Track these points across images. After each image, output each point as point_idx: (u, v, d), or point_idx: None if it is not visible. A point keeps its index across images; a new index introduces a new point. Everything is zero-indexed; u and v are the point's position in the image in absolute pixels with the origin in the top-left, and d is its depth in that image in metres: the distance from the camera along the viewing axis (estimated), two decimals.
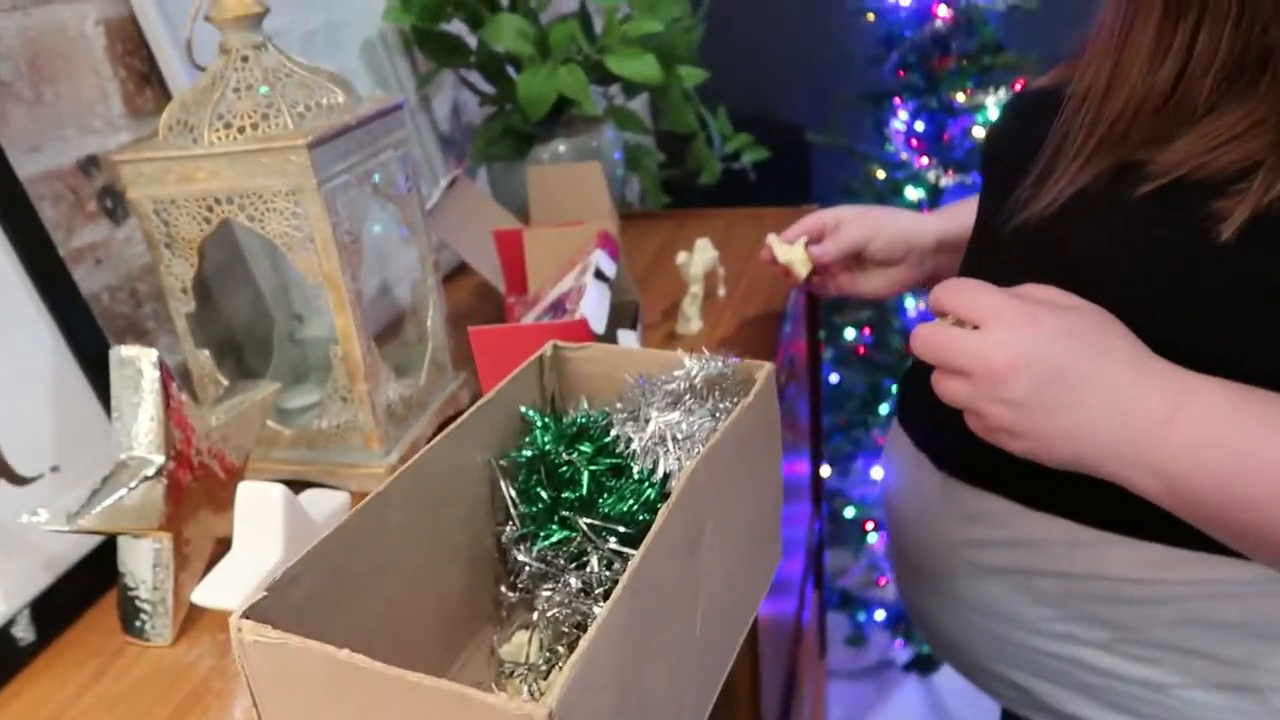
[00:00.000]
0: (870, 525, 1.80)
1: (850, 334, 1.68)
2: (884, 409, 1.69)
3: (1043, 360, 0.53)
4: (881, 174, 1.62)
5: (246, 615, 0.41)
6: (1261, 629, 0.60)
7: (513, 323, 0.90)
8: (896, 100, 1.58)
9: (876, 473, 1.76)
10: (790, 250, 0.85)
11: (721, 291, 1.03)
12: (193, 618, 0.63)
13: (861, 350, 1.69)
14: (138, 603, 0.61)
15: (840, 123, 1.66)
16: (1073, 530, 0.64)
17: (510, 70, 1.19)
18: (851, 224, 0.85)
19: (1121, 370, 0.53)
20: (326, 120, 0.71)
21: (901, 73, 1.56)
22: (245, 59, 0.70)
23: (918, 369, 0.83)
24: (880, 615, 1.88)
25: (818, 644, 1.50)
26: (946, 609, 0.76)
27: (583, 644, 0.37)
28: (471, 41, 1.18)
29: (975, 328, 0.56)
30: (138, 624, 0.62)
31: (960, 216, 0.85)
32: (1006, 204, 0.65)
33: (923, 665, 1.88)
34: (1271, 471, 0.50)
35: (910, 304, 1.63)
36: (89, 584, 0.66)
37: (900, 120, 1.58)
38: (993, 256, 0.70)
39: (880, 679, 1.94)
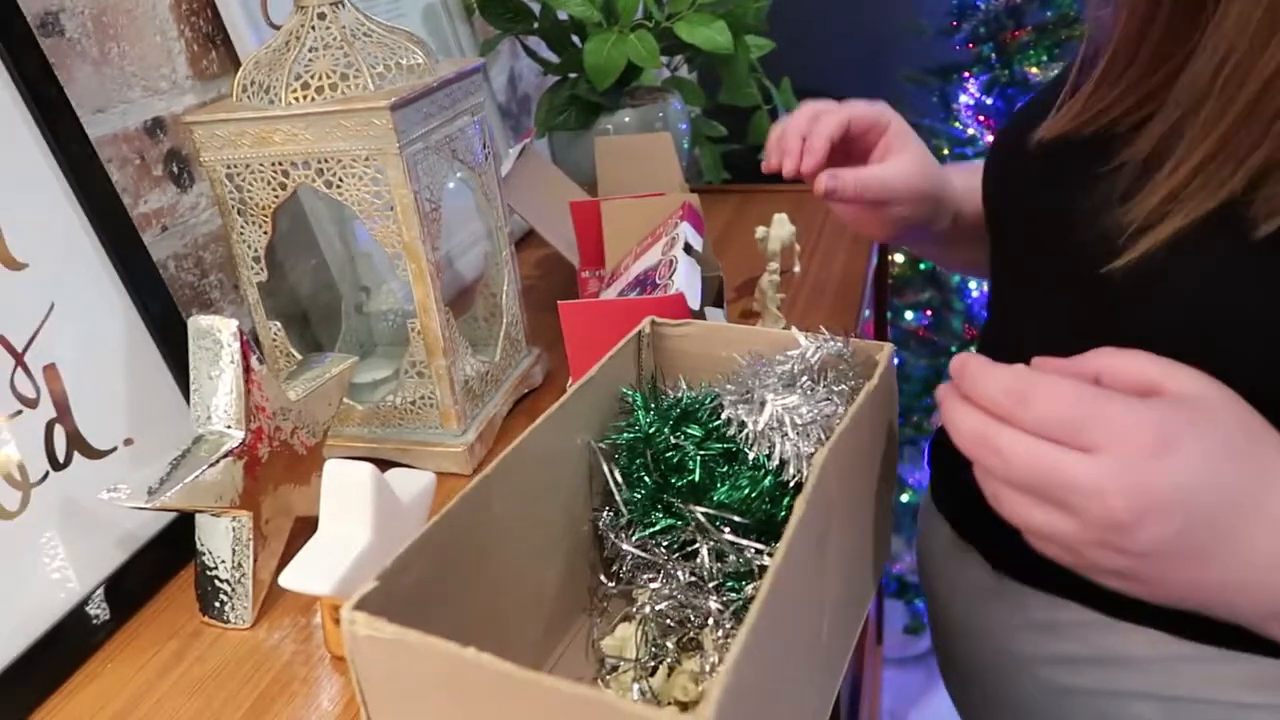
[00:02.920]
0: None
1: (910, 316, 1.64)
2: None
3: (1184, 505, 0.39)
4: (947, 149, 1.56)
5: (358, 606, 0.38)
6: None
7: (589, 297, 0.86)
8: (965, 74, 1.53)
9: None
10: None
11: (797, 268, 0.99)
12: (271, 599, 0.61)
13: (922, 332, 1.64)
14: (217, 583, 0.59)
15: (905, 97, 1.60)
16: (1174, 645, 0.52)
17: (575, 38, 1.15)
18: (898, 167, 0.69)
19: None
20: (406, 81, 0.67)
21: (972, 45, 1.50)
22: (322, 15, 0.67)
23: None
24: None
25: (875, 631, 1.47)
26: None
27: (734, 649, 0.34)
28: (535, 8, 1.15)
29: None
30: (217, 605, 0.59)
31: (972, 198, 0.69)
32: (1064, 243, 0.53)
33: None
34: None
35: (974, 285, 1.58)
36: (162, 562, 0.64)
37: (969, 94, 1.52)
38: (1053, 304, 0.57)
39: (929, 666, 1.91)
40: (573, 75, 1.15)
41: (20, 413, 0.58)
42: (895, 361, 1.76)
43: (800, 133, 0.69)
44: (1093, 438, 0.39)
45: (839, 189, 0.67)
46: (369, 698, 0.39)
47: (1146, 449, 0.38)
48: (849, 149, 0.71)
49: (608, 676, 0.51)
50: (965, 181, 0.73)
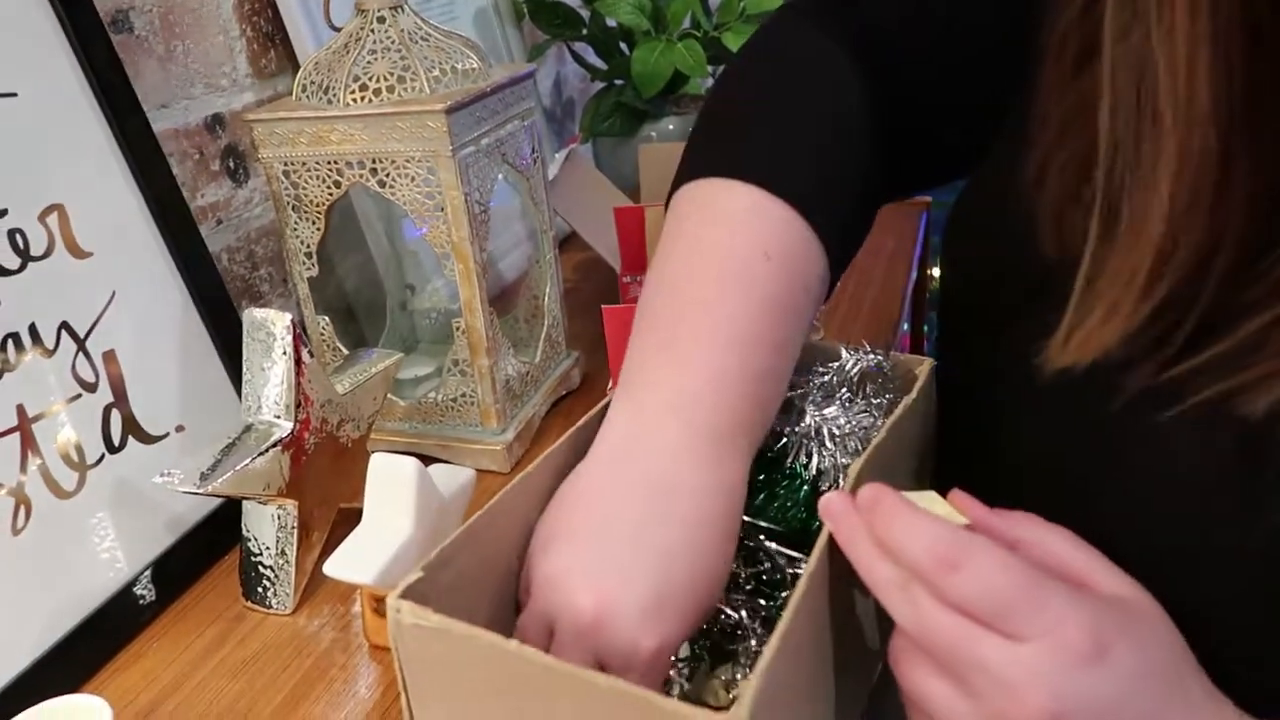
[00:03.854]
0: None
1: None
2: None
3: (1099, 716, 0.34)
4: None
5: (403, 596, 0.39)
6: None
7: (631, 302, 0.87)
8: None
9: None
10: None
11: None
12: (312, 588, 0.62)
13: None
14: (261, 569, 0.60)
15: None
16: None
17: (623, 46, 1.16)
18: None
19: None
20: (460, 85, 0.69)
21: None
22: (382, 19, 0.68)
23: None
24: None
25: None
26: None
27: (767, 653, 0.34)
28: (584, 14, 1.16)
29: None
30: (260, 590, 0.61)
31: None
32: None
33: None
34: None
35: None
36: (208, 546, 0.65)
37: None
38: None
39: None
40: (619, 82, 1.16)
41: (80, 396, 0.60)
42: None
43: None
44: (1022, 626, 0.34)
45: None
46: (411, 685, 0.40)
47: (1078, 652, 0.34)
48: None
49: None
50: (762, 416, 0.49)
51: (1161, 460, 0.41)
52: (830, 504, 0.40)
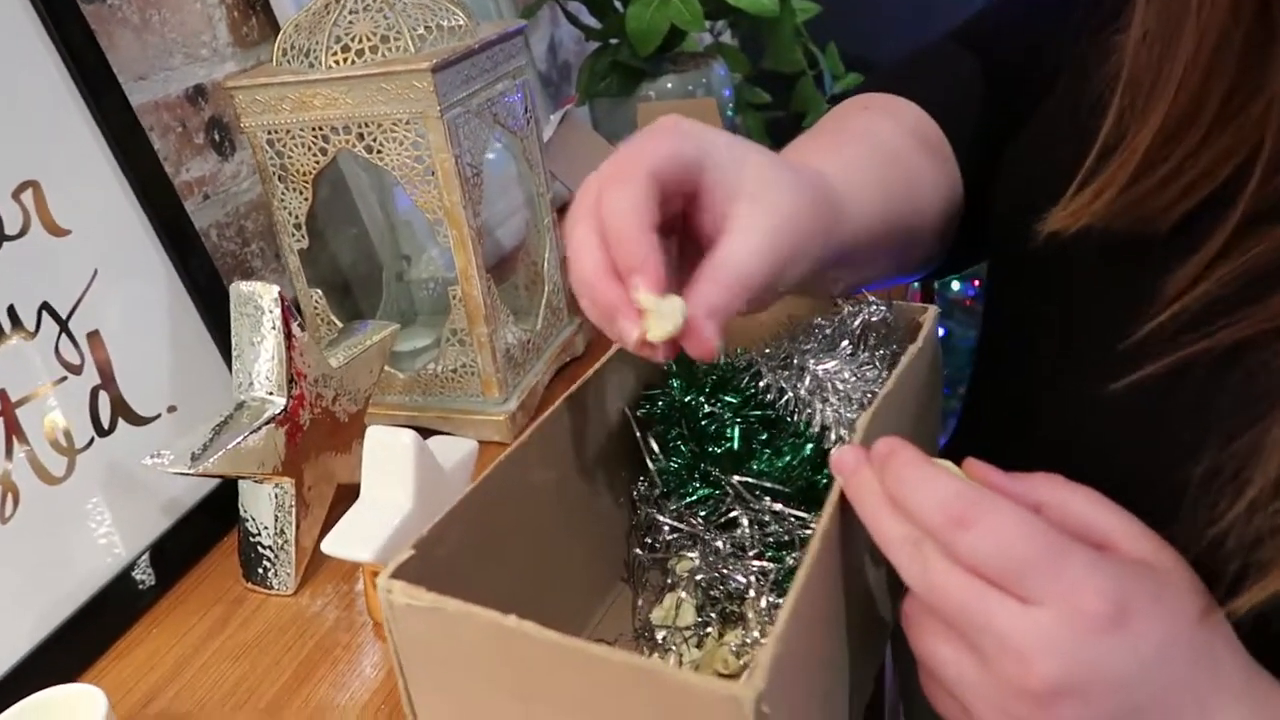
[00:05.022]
0: None
1: (957, 286, 1.60)
2: None
3: (1117, 694, 0.32)
4: None
5: (395, 575, 0.37)
6: None
7: None
8: None
9: None
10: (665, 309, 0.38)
11: None
12: (314, 566, 0.61)
13: (969, 302, 1.61)
14: (260, 549, 0.59)
15: None
16: None
17: (617, 3, 1.13)
18: (750, 242, 0.40)
19: (1232, 707, 0.34)
20: (447, 43, 0.66)
21: None
22: None
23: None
24: None
25: None
26: None
27: (781, 619, 0.32)
28: None
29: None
30: (260, 571, 0.59)
31: (863, 194, 0.49)
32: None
33: None
34: None
35: None
36: (206, 528, 0.64)
37: None
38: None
39: None
40: (614, 41, 1.13)
41: (65, 379, 0.58)
42: (941, 332, 1.72)
43: (600, 267, 0.39)
44: (1036, 588, 0.32)
45: (698, 334, 0.38)
46: (407, 666, 0.38)
47: (1095, 618, 0.32)
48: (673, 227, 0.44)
49: (645, 645, 0.50)
50: (852, 189, 0.48)
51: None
52: (842, 457, 0.38)
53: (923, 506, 0.34)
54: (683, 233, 0.44)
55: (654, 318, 0.37)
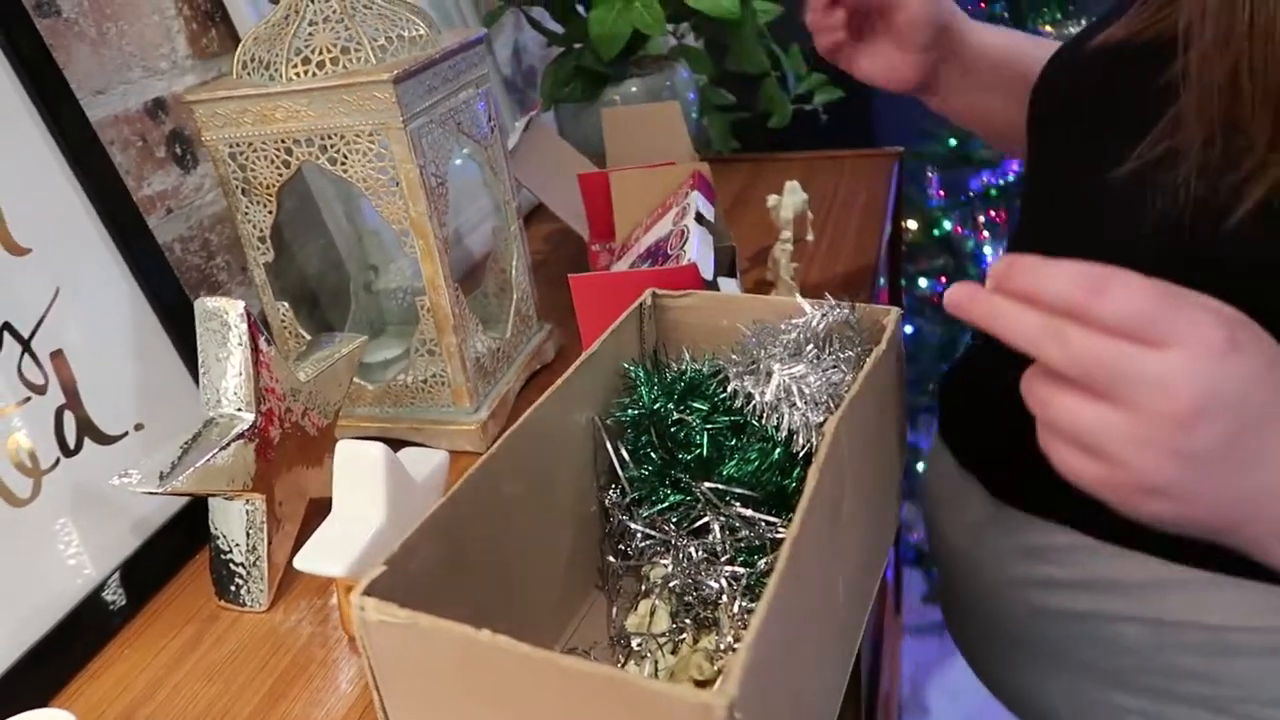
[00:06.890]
0: None
1: (924, 283, 1.62)
2: None
3: (1240, 407, 0.38)
4: None
5: (367, 592, 0.37)
6: None
7: (600, 270, 0.85)
8: None
9: None
10: None
11: (810, 236, 0.98)
12: (288, 582, 0.60)
13: (936, 299, 1.62)
14: (232, 566, 0.59)
15: None
16: (1162, 570, 0.54)
17: (579, 7, 1.13)
18: None
19: None
20: (408, 54, 0.66)
21: (984, 3, 1.47)
22: None
23: (967, 371, 0.71)
24: None
25: (894, 600, 1.46)
26: (1009, 658, 0.66)
27: (753, 625, 0.33)
28: None
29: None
30: (233, 589, 0.59)
31: (1010, 45, 0.74)
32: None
33: None
34: None
35: (989, 251, 1.56)
36: (178, 546, 0.64)
37: None
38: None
39: (947, 634, 1.90)
40: (578, 46, 1.13)
41: (29, 399, 0.57)
42: (909, 329, 1.74)
43: None
44: (1166, 332, 0.38)
45: None
46: (382, 682, 0.38)
47: (1218, 347, 0.38)
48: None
49: (620, 653, 0.50)
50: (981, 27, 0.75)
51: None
52: (956, 295, 0.42)
53: (1056, 288, 0.39)
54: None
55: None
